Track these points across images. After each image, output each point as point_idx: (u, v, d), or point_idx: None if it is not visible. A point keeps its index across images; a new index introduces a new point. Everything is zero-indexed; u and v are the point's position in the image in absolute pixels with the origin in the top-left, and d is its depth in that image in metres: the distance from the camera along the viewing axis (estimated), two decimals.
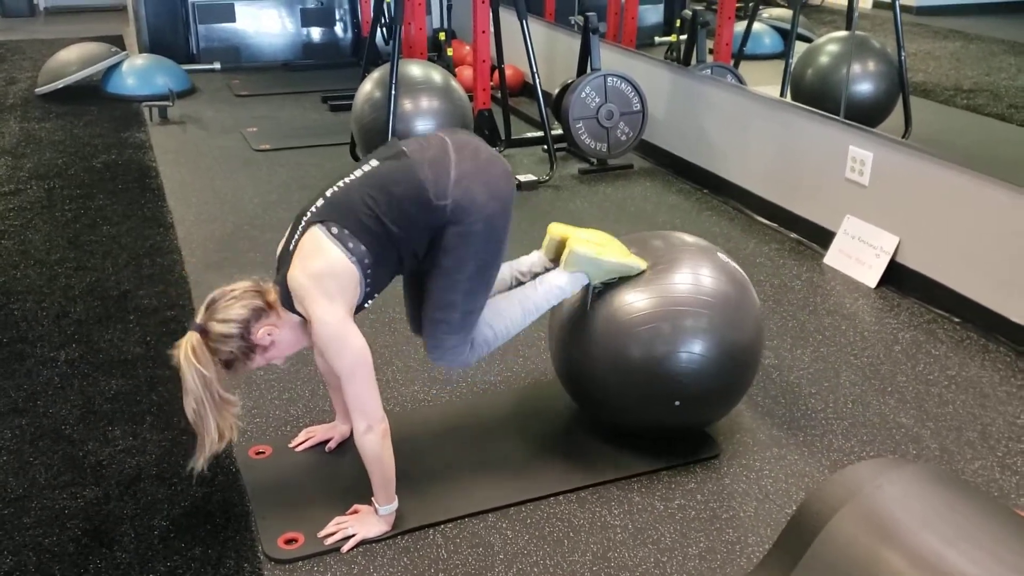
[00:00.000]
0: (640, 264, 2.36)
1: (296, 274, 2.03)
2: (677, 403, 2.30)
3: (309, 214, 2.09)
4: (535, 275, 2.44)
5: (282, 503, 2.25)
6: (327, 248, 2.03)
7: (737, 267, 2.45)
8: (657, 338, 2.27)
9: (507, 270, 2.44)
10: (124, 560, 2.08)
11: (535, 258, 2.48)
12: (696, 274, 2.34)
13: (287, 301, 2.07)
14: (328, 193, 2.11)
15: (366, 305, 2.13)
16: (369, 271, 2.06)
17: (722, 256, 2.44)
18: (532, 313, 2.33)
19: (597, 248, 2.33)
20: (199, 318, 2.04)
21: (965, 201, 3.17)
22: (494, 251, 2.18)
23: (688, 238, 2.48)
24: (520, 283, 2.44)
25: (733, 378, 2.36)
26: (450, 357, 2.24)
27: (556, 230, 2.43)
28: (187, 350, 1.99)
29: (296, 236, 2.09)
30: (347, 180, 2.13)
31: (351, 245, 2.03)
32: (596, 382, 2.38)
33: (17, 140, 5.21)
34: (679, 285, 2.32)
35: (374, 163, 2.15)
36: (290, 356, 2.16)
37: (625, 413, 2.40)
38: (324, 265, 2.02)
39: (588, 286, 2.38)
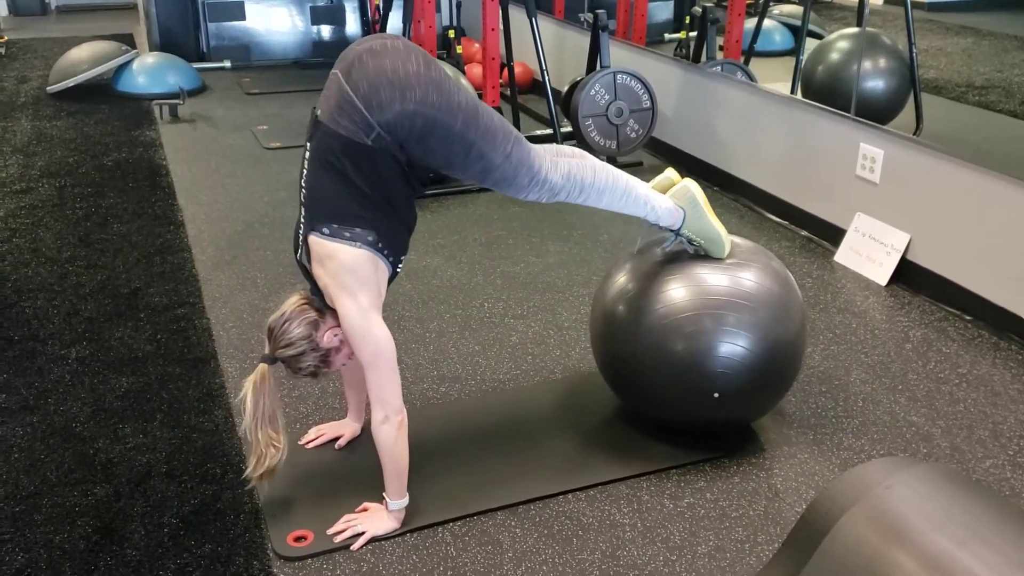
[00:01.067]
0: (727, 247, 2.36)
1: (320, 276, 2.10)
2: (716, 395, 2.30)
3: (302, 226, 2.12)
4: None
5: (291, 501, 2.26)
6: (331, 249, 2.05)
7: (783, 266, 2.45)
8: (700, 333, 2.28)
9: None
10: (134, 558, 2.09)
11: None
12: (739, 273, 2.34)
13: (325, 304, 2.14)
14: (302, 199, 2.11)
15: (399, 269, 2.18)
16: (379, 243, 2.07)
17: (769, 257, 2.44)
18: (628, 197, 2.23)
19: (706, 203, 2.34)
20: (267, 349, 2.16)
21: (977, 198, 3.15)
22: (458, 107, 2.00)
23: (737, 239, 2.47)
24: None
25: (774, 375, 2.36)
26: (538, 191, 2.12)
27: (672, 172, 2.42)
28: (254, 381, 2.11)
29: (304, 247, 2.13)
30: (304, 177, 2.10)
31: (348, 235, 2.04)
32: (640, 375, 2.39)
33: (29, 138, 5.23)
34: (720, 284, 2.32)
35: (308, 147, 2.10)
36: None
37: (667, 407, 2.41)
38: (336, 264, 2.05)
39: (676, 232, 2.34)
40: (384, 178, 2.05)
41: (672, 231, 2.35)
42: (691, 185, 2.35)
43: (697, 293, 2.31)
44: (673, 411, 2.41)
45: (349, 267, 2.04)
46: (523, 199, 2.16)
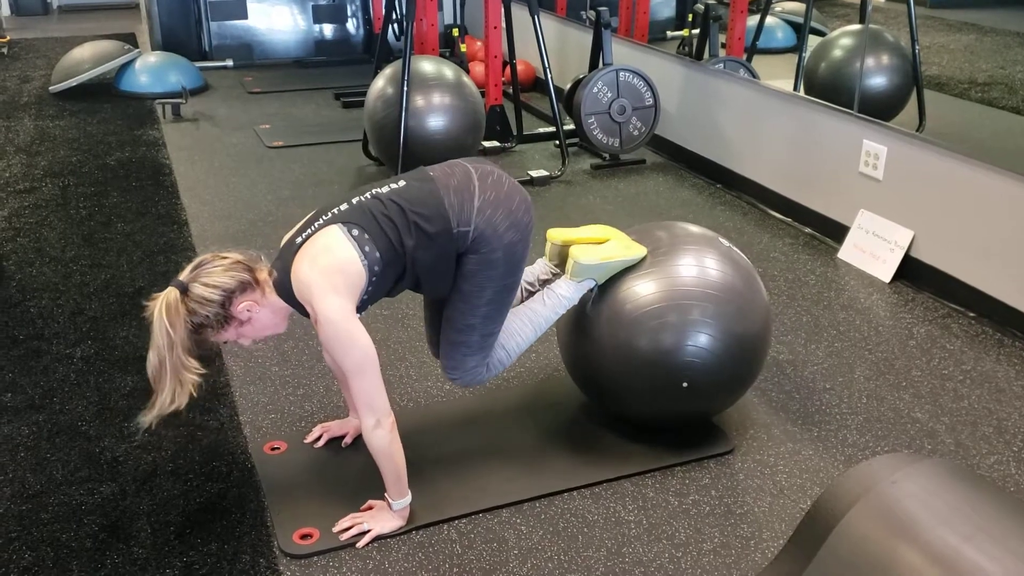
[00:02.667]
0: (641, 252, 2.38)
1: (304, 267, 2.04)
2: (685, 384, 2.31)
3: (331, 214, 2.11)
4: (542, 282, 2.47)
5: (297, 499, 2.26)
6: (343, 246, 2.04)
7: (741, 255, 2.46)
8: (664, 328, 2.29)
9: None
10: (141, 555, 2.09)
11: (539, 266, 2.52)
12: (701, 264, 2.35)
13: (284, 290, 2.08)
14: (354, 200, 2.14)
15: (359, 315, 2.12)
16: (374, 279, 2.08)
17: (724, 243, 2.45)
18: (542, 327, 2.37)
19: (599, 252, 2.35)
20: (183, 275, 2.03)
21: (980, 195, 3.15)
22: (512, 278, 2.22)
23: (692, 228, 2.48)
24: (529, 292, 2.48)
25: (740, 367, 2.37)
26: (468, 377, 2.30)
27: (556, 235, 2.46)
28: (162, 305, 1.97)
29: (310, 231, 2.10)
30: (374, 192, 2.16)
31: (367, 249, 2.05)
32: (603, 372, 2.39)
33: (32, 138, 5.24)
34: (684, 275, 2.33)
35: (402, 183, 2.18)
36: (259, 339, 2.17)
37: (632, 403, 2.41)
38: (336, 261, 2.03)
39: (593, 287, 2.40)
40: (423, 256, 2.11)
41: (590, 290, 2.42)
42: (580, 259, 2.34)
43: (662, 286, 2.33)
44: (641, 404, 2.41)
45: (344, 269, 2.04)
46: (452, 374, 2.30)
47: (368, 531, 2.13)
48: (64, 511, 2.24)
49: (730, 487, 2.33)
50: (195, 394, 2.04)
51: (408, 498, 2.15)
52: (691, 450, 2.44)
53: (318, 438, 2.48)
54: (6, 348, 2.99)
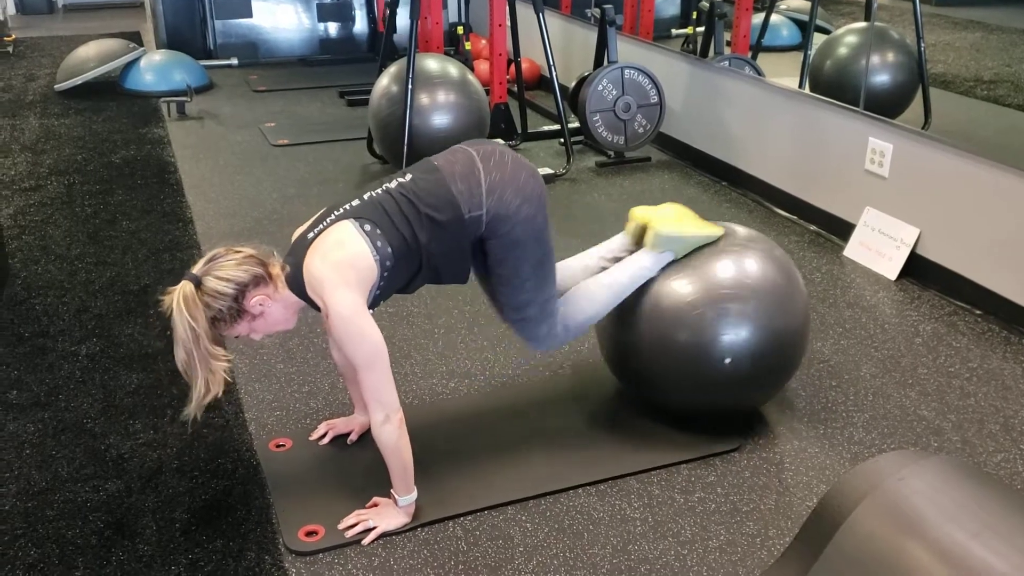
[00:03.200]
0: (718, 231, 2.44)
1: (316, 262, 2.04)
2: (727, 360, 2.33)
3: (343, 209, 2.11)
4: (618, 259, 2.50)
5: (302, 496, 2.26)
6: (355, 241, 2.04)
7: (786, 255, 2.50)
8: (703, 323, 2.33)
9: (594, 256, 2.54)
10: (146, 553, 2.10)
11: (619, 242, 2.55)
12: (742, 262, 2.39)
13: (296, 285, 2.08)
14: (365, 196, 2.15)
15: (369, 311, 2.12)
16: (386, 274, 2.08)
17: (769, 241, 2.50)
18: (621, 295, 2.41)
19: (679, 226, 2.40)
20: (196, 269, 2.03)
21: (986, 192, 3.14)
22: (542, 248, 2.24)
23: (739, 229, 2.52)
24: (604, 268, 2.50)
25: (778, 360, 2.41)
26: (548, 343, 2.36)
27: (637, 214, 2.49)
28: (179, 299, 1.96)
29: (322, 226, 2.10)
30: (385, 187, 2.17)
31: (379, 244, 2.05)
32: (643, 364, 2.43)
33: (37, 136, 5.25)
34: (722, 272, 2.38)
35: (409, 176, 2.19)
36: (271, 334, 2.16)
37: (671, 393, 2.45)
38: (347, 256, 2.04)
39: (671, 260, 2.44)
40: (438, 248, 2.13)
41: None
42: (662, 230, 2.39)
43: (703, 284, 2.36)
44: (682, 394, 2.43)
45: (355, 264, 2.04)
46: (533, 347, 2.38)
47: (373, 528, 2.13)
48: (69, 508, 2.24)
49: (736, 485, 2.32)
50: (229, 379, 2.05)
51: (414, 495, 2.15)
52: (697, 448, 2.44)
53: (323, 435, 2.48)
54: (11, 345, 2.99)
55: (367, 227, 2.06)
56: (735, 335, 2.33)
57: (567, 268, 2.51)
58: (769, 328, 2.35)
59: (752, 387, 2.43)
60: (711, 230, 2.43)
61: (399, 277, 2.13)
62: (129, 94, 6.19)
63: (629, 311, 2.44)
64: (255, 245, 2.10)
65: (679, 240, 2.40)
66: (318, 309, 2.08)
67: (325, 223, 2.10)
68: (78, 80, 6.10)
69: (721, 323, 2.33)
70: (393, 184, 2.17)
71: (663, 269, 2.42)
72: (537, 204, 2.20)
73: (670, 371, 2.40)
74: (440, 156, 2.23)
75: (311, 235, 2.10)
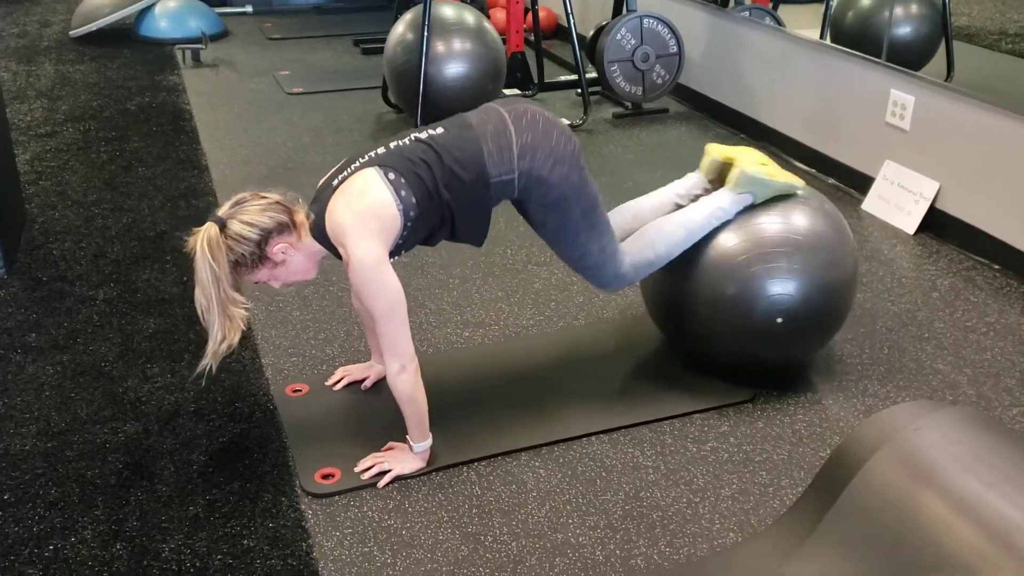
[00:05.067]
0: (800, 182, 2.41)
1: (340, 208, 2.03)
2: (779, 320, 2.32)
3: (367, 157, 2.10)
4: (695, 197, 2.46)
5: (318, 440, 2.28)
6: (379, 189, 2.03)
7: (835, 209, 2.47)
8: (752, 274, 2.31)
9: (668, 193, 2.50)
10: (164, 493, 2.12)
11: (694, 180, 2.51)
12: (789, 215, 2.36)
13: (319, 231, 2.07)
14: (392, 144, 2.12)
15: (392, 260, 2.12)
16: (409, 224, 2.07)
17: (823, 200, 2.47)
18: (696, 234, 2.36)
19: (764, 168, 2.35)
20: (222, 211, 2.02)
21: (1008, 146, 3.10)
22: (585, 201, 2.21)
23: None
24: (679, 206, 2.46)
25: (826, 312, 2.39)
26: (617, 283, 2.34)
27: (715, 150, 2.44)
28: (203, 241, 1.96)
29: (346, 173, 2.09)
30: (412, 138, 2.14)
31: (403, 194, 2.04)
32: (695, 317, 2.42)
33: (52, 83, 5.23)
34: (772, 225, 2.35)
35: (440, 130, 2.16)
36: (290, 283, 2.15)
37: (722, 345, 2.43)
38: (371, 204, 2.02)
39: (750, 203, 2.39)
40: (459, 205, 2.11)
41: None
42: (747, 168, 2.34)
43: (750, 237, 2.34)
44: (734, 347, 2.43)
45: (378, 213, 2.02)
46: (603, 289, 2.37)
47: (389, 471, 2.15)
48: (89, 449, 2.27)
49: (749, 435, 2.33)
50: (244, 328, 2.03)
51: (429, 441, 2.17)
52: (710, 398, 2.44)
53: (338, 380, 2.49)
54: (30, 289, 3.01)
55: (391, 176, 2.04)
56: (783, 289, 2.31)
57: (639, 207, 2.47)
58: (819, 281, 2.33)
59: (801, 341, 2.42)
60: (793, 179, 2.39)
61: (422, 229, 2.12)
62: (144, 41, 6.15)
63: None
64: (281, 191, 2.09)
65: (763, 184, 2.34)
66: (339, 257, 2.08)
67: (349, 170, 2.09)
68: (93, 26, 6.06)
69: (769, 277, 2.30)
70: (423, 135, 2.15)
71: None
72: (571, 163, 2.17)
73: (718, 324, 2.38)
74: (474, 114, 2.20)
75: (335, 182, 2.09)
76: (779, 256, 2.31)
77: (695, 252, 2.38)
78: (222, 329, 1.99)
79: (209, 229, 1.98)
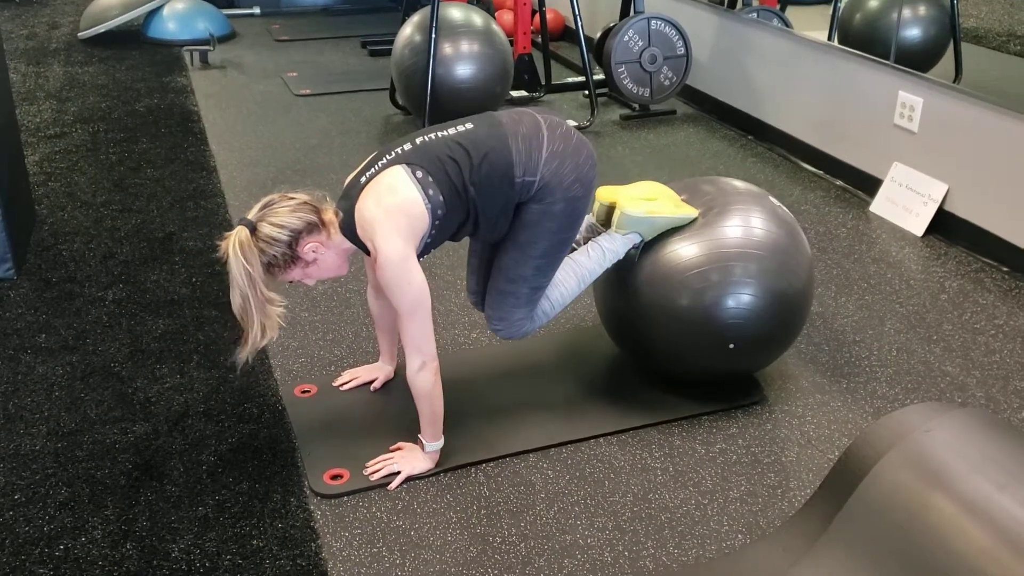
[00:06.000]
0: (692, 213, 2.35)
1: (369, 204, 2.04)
2: (732, 346, 2.29)
3: (394, 154, 2.10)
4: (585, 239, 2.44)
5: (327, 440, 2.28)
6: (407, 187, 2.04)
7: (788, 212, 2.43)
8: (706, 286, 2.26)
9: None
10: (174, 493, 2.13)
11: (584, 223, 2.47)
12: (747, 222, 2.32)
13: (348, 228, 2.09)
14: (418, 140, 2.12)
15: (420, 259, 2.13)
16: (437, 222, 2.07)
17: (773, 201, 2.41)
18: (586, 280, 2.35)
19: (647, 206, 2.33)
20: (251, 214, 2.04)
21: (1017, 148, 3.09)
22: (568, 233, 2.21)
23: (739, 183, 2.45)
24: (572, 248, 2.44)
25: (782, 324, 2.35)
26: (513, 329, 2.28)
27: (603, 194, 2.42)
28: (235, 244, 1.98)
29: (374, 170, 2.09)
30: (439, 133, 2.14)
31: (431, 192, 2.04)
32: (644, 331, 2.38)
33: (61, 84, 5.25)
34: (729, 233, 2.30)
35: (469, 125, 2.16)
36: (324, 279, 2.16)
37: (674, 360, 2.40)
38: (400, 202, 2.03)
39: (639, 243, 2.37)
40: (484, 202, 2.11)
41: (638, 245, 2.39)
42: (628, 210, 2.32)
43: (705, 247, 2.29)
44: (683, 363, 2.40)
45: (407, 210, 2.03)
46: (497, 329, 2.29)
47: (398, 472, 2.15)
48: (98, 449, 2.28)
49: (757, 437, 2.33)
50: (283, 324, 2.06)
51: (441, 442, 2.17)
52: (718, 400, 2.44)
53: (347, 382, 2.50)
54: (40, 290, 3.02)
55: (419, 174, 2.04)
56: (736, 300, 2.26)
57: None
58: (772, 292, 2.28)
59: (755, 356, 2.39)
60: (684, 211, 2.34)
61: (449, 226, 2.13)
62: (152, 42, 6.17)
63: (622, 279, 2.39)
64: (309, 191, 2.11)
65: (646, 222, 2.32)
66: (368, 253, 2.10)
67: (377, 167, 2.09)
68: (101, 28, 6.08)
69: (725, 286, 2.26)
70: (451, 132, 2.14)
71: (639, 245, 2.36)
72: (587, 188, 2.17)
73: (672, 336, 2.34)
74: (504, 114, 2.20)
75: (363, 179, 2.10)
76: (734, 268, 2.26)
77: (645, 265, 2.34)
78: (260, 328, 2.01)
79: (240, 232, 2.00)
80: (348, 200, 2.10)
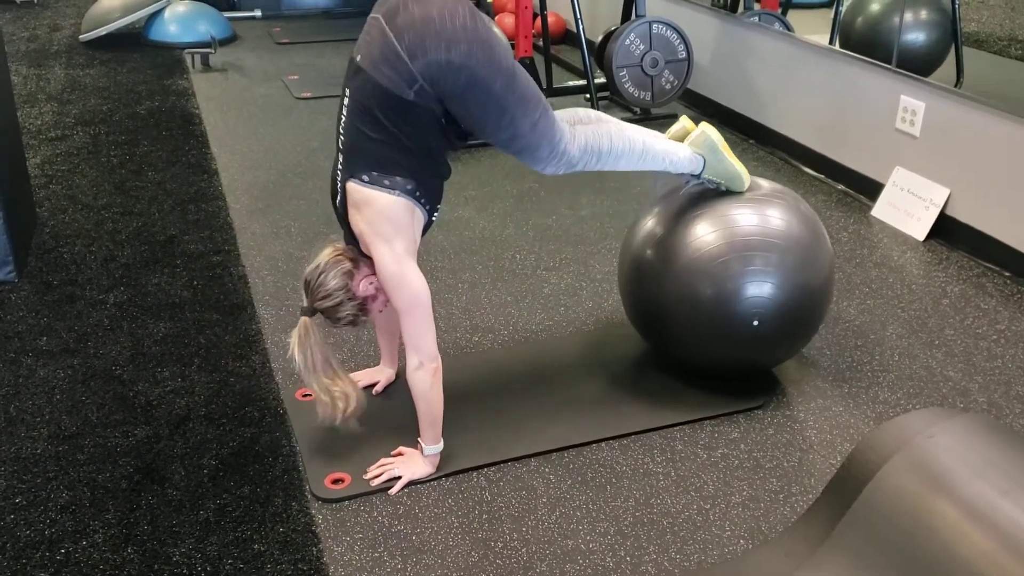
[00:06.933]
0: (747, 182, 2.40)
1: (356, 223, 2.11)
2: (756, 323, 2.31)
3: (339, 173, 2.13)
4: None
5: (328, 444, 2.28)
6: (369, 195, 2.06)
7: (811, 209, 2.47)
8: (727, 275, 2.30)
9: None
10: (175, 497, 2.13)
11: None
12: (766, 214, 2.37)
13: (360, 253, 2.17)
14: (340, 146, 2.12)
15: (434, 217, 2.19)
16: (416, 192, 2.08)
17: (793, 195, 2.47)
18: (647, 158, 2.26)
19: (724, 144, 2.36)
20: (305, 302, 2.16)
21: (1019, 153, 3.09)
22: (498, 74, 1.99)
23: (763, 182, 2.49)
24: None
25: (803, 317, 2.39)
26: (552, 162, 2.14)
27: (687, 120, 2.42)
28: (296, 336, 2.12)
29: (340, 195, 2.14)
30: (343, 124, 2.10)
31: (387, 183, 2.05)
32: (668, 319, 2.41)
33: (63, 86, 5.25)
34: (747, 223, 2.35)
35: (347, 93, 2.09)
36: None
37: (696, 350, 2.43)
38: (374, 211, 2.06)
39: (696, 177, 2.38)
40: (423, 131, 2.06)
41: (694, 176, 2.38)
42: (709, 131, 2.36)
43: (726, 235, 2.33)
44: (705, 353, 2.43)
45: (387, 214, 2.05)
46: (540, 171, 2.18)
47: (399, 477, 2.15)
48: (100, 453, 2.27)
49: (759, 442, 2.32)
50: (362, 398, 2.20)
51: (440, 445, 2.17)
52: (720, 405, 2.44)
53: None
54: (41, 293, 3.02)
55: (365, 178, 2.05)
56: (759, 290, 2.31)
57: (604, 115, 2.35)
58: (794, 284, 2.33)
59: (774, 345, 2.42)
60: (745, 175, 2.39)
61: (429, 178, 2.12)
62: (153, 45, 6.17)
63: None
64: (323, 241, 2.20)
65: (717, 153, 2.33)
66: None
67: (340, 191, 2.13)
68: (102, 30, 6.08)
69: (746, 277, 2.30)
70: (344, 112, 2.09)
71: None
72: (468, 38, 1.95)
73: (696, 326, 2.38)
74: (359, 47, 2.05)
75: (340, 208, 2.16)
76: (755, 257, 2.31)
77: (667, 252, 2.38)
78: (331, 403, 2.14)
79: (302, 324, 2.13)
80: (346, 229, 2.20)
